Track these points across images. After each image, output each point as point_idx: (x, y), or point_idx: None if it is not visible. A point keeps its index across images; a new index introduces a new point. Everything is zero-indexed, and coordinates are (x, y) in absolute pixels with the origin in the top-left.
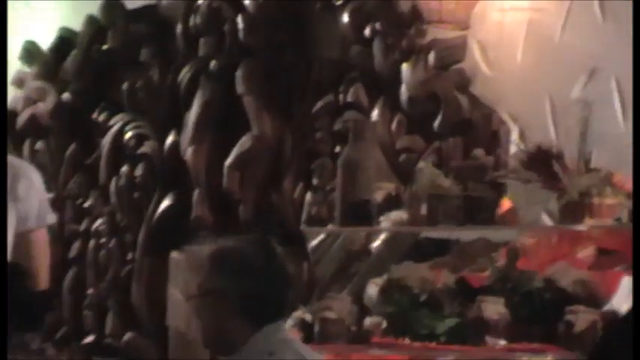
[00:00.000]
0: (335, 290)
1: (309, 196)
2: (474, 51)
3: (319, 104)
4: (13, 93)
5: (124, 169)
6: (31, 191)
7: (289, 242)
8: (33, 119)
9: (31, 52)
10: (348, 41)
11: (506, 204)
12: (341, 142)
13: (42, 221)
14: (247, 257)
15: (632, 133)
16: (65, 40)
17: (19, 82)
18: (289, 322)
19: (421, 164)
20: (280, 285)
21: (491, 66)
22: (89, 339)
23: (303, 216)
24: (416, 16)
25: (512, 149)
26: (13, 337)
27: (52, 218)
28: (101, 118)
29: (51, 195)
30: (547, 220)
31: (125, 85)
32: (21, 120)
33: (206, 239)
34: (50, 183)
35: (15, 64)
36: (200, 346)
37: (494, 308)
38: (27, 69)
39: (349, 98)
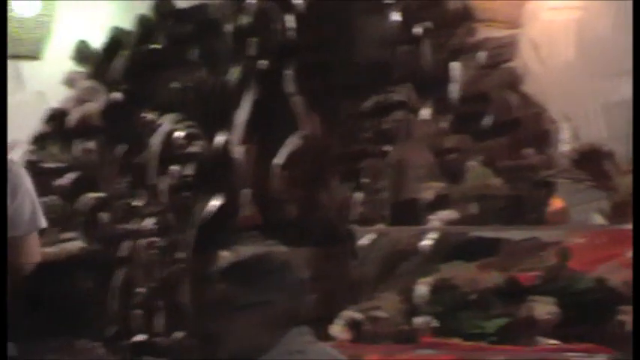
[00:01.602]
0: (384, 289)
1: (357, 195)
2: (525, 50)
3: (368, 103)
4: (64, 93)
5: (174, 168)
6: (25, 197)
7: (338, 242)
8: (83, 119)
9: (82, 51)
10: (397, 40)
11: (556, 203)
12: (390, 142)
13: (33, 227)
14: (260, 269)
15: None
16: (116, 40)
17: (70, 82)
18: (339, 322)
19: (470, 163)
20: (296, 293)
21: (541, 65)
22: (138, 338)
23: (352, 215)
24: (466, 15)
25: (563, 148)
26: (59, 338)
27: (43, 223)
28: (151, 117)
29: (102, 194)
30: (598, 220)
31: (175, 85)
32: (71, 119)
33: (254, 239)
34: (100, 182)
35: (67, 64)
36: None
37: (544, 308)
38: (79, 69)
39: (398, 97)
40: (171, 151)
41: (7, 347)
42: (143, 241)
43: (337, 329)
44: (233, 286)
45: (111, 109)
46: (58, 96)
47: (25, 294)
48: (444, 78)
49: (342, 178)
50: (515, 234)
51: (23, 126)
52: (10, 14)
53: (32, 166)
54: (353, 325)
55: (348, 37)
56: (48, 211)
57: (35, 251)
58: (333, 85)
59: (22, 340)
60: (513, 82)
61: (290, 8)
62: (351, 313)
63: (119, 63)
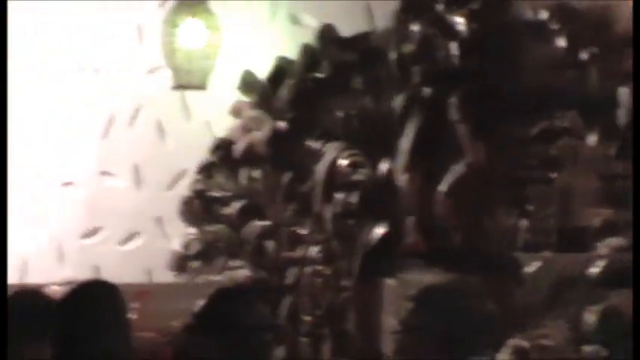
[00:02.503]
0: (551, 317)
1: (523, 222)
2: None
3: (533, 130)
4: (230, 122)
5: (338, 196)
6: None
7: (503, 269)
8: (249, 148)
9: (247, 81)
10: (563, 66)
11: None
12: (556, 168)
13: None
14: (452, 297)
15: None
16: (281, 69)
17: (236, 112)
18: (506, 350)
19: None
20: (482, 325)
21: None
22: None
23: (518, 242)
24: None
25: None
26: None
27: None
28: (315, 146)
29: (267, 223)
30: None
31: (339, 113)
32: (237, 149)
33: (419, 267)
34: (266, 210)
35: (233, 94)
36: None
37: None
38: (244, 98)
39: (564, 124)
40: (335, 179)
41: (7, 347)
42: (308, 269)
43: (504, 357)
44: (419, 313)
45: (276, 137)
46: (224, 125)
47: (202, 319)
48: (612, 103)
49: (507, 205)
50: None
51: (190, 155)
52: (176, 46)
53: (199, 195)
54: (520, 354)
55: (512, 64)
56: (215, 239)
57: None
58: (498, 112)
59: None
60: None
61: (454, 35)
62: (517, 342)
63: (284, 92)
